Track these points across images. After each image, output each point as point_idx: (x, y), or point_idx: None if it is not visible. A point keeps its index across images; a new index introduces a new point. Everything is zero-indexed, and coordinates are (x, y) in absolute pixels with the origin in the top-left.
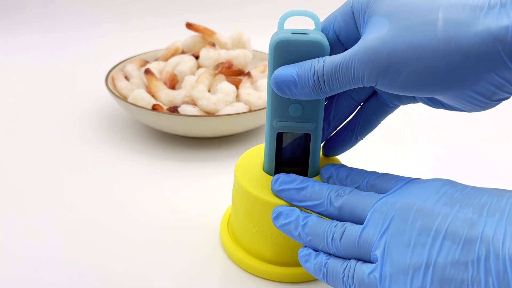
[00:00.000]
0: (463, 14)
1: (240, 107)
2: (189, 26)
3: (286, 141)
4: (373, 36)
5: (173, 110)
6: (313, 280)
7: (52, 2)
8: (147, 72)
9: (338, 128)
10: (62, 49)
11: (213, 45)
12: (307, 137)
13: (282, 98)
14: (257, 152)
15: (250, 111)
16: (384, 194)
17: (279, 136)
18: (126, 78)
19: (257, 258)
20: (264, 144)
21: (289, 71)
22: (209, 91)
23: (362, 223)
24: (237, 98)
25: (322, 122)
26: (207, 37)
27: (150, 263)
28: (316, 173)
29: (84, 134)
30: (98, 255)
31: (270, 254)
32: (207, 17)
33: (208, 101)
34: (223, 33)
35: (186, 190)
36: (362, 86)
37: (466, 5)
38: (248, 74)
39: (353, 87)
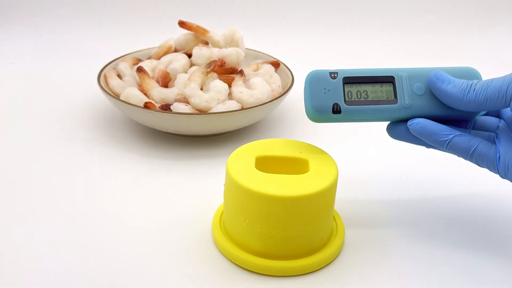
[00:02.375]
0: None
1: (233, 105)
2: (182, 24)
3: None
4: None
5: (165, 108)
6: (304, 274)
7: (44, 0)
8: (140, 70)
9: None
10: (55, 47)
11: (206, 43)
12: None
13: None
14: (249, 149)
15: (242, 109)
16: None
17: None
18: (119, 76)
19: (248, 252)
20: (255, 141)
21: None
22: (201, 89)
23: None
24: (230, 96)
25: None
26: (200, 35)
27: (142, 260)
28: None
29: (77, 132)
30: (89, 253)
31: (260, 247)
32: (200, 15)
33: (200, 99)
34: (216, 31)
35: (179, 188)
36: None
37: None
38: (241, 72)
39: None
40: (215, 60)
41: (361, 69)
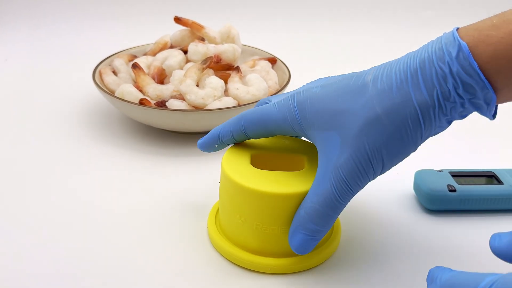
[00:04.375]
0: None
1: (229, 101)
2: (177, 20)
3: None
4: None
5: (161, 104)
6: (300, 271)
7: None
8: (135, 66)
9: None
10: (50, 43)
11: (202, 39)
12: None
13: None
14: (244, 146)
15: (238, 105)
16: None
17: None
18: (114, 73)
19: (243, 249)
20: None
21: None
22: (197, 85)
23: None
24: (226, 92)
25: None
26: (196, 32)
27: (136, 257)
28: None
29: (71, 129)
30: (83, 250)
31: (256, 245)
32: (195, 11)
33: (196, 95)
34: (212, 27)
35: (174, 185)
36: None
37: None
38: (237, 69)
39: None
40: (211, 57)
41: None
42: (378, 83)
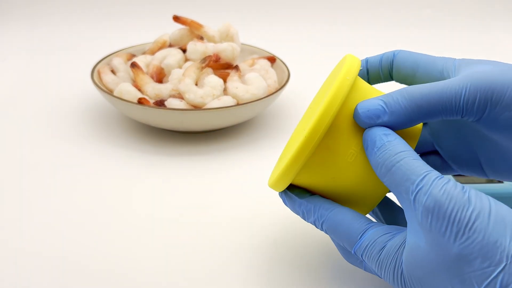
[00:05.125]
0: None
1: (228, 100)
2: (176, 19)
3: None
4: (482, 69)
5: (160, 103)
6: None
7: None
8: (133, 65)
9: None
10: (48, 42)
11: (201, 38)
12: None
13: None
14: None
15: (237, 104)
16: None
17: None
18: (113, 72)
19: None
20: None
21: (373, 101)
22: (196, 84)
23: None
24: (225, 91)
25: None
26: (195, 30)
27: (137, 256)
28: None
29: (70, 129)
30: (84, 249)
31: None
32: (194, 10)
33: (195, 94)
34: (211, 26)
35: (173, 184)
36: (462, 117)
37: None
38: (236, 68)
39: (451, 117)
40: (210, 56)
41: None
42: None
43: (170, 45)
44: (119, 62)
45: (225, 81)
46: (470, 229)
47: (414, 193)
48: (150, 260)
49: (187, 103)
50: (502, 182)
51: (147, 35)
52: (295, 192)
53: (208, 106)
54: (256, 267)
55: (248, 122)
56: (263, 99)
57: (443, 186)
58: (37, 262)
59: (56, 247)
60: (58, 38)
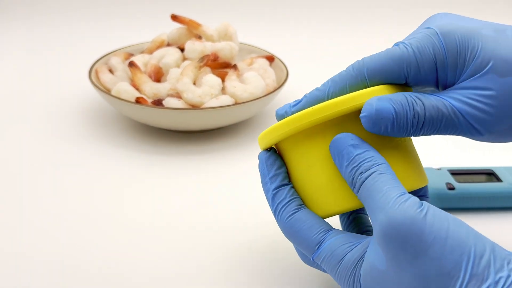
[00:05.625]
0: None
1: (226, 100)
2: (174, 18)
3: None
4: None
5: (158, 103)
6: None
7: None
8: (131, 64)
9: None
10: (46, 41)
11: (199, 37)
12: None
13: None
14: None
15: (236, 104)
16: None
17: None
18: (111, 71)
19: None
20: None
21: (387, 106)
22: (194, 84)
23: None
24: (223, 91)
25: None
26: (193, 29)
27: (135, 257)
28: None
29: (68, 129)
30: (82, 249)
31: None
32: (192, 9)
33: (193, 94)
34: (209, 25)
35: (172, 183)
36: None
37: None
38: (234, 67)
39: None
40: (208, 55)
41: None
42: None
43: (168, 44)
44: (117, 62)
45: (223, 80)
46: (425, 254)
47: (375, 211)
48: (149, 260)
49: (185, 102)
50: (501, 181)
51: (145, 34)
52: (274, 157)
53: (206, 105)
54: (256, 267)
55: (246, 121)
56: (262, 98)
57: (400, 205)
58: (37, 262)
59: (55, 247)
60: (55, 37)
